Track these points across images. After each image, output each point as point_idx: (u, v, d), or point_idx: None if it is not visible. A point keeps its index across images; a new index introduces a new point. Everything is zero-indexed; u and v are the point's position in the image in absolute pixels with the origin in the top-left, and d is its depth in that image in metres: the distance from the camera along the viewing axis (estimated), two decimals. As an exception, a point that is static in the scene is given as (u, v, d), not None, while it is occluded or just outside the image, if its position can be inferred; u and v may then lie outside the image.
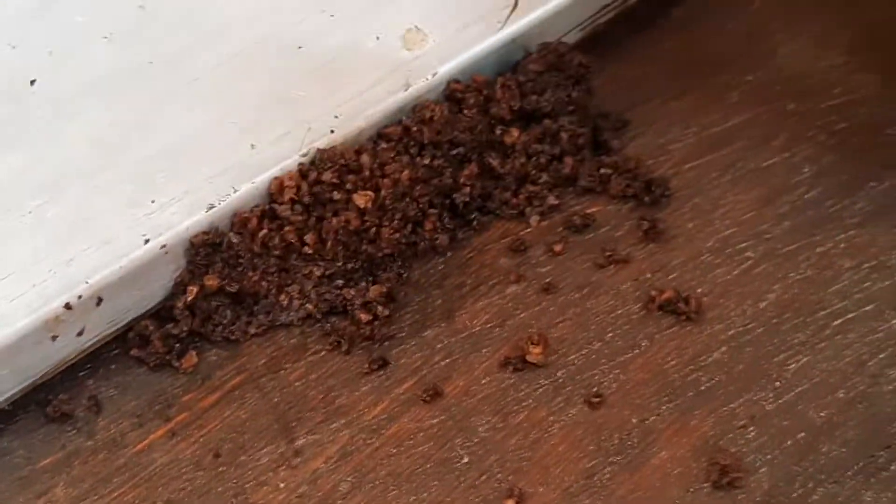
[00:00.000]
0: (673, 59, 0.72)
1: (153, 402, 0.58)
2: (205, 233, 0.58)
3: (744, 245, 0.65)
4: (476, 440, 0.57)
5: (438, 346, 0.61)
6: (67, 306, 0.55)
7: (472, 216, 0.65)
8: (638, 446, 0.57)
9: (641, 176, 0.67)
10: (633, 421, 0.58)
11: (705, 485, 0.56)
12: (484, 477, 0.56)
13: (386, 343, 0.60)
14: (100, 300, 0.56)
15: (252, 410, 0.58)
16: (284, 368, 0.59)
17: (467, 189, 0.64)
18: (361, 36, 0.65)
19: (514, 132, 0.65)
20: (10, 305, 0.54)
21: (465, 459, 0.56)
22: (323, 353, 0.60)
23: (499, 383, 0.59)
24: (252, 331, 0.60)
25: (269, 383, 0.59)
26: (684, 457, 0.57)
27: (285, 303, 0.60)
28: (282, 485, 0.56)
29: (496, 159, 0.65)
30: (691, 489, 0.56)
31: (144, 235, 0.57)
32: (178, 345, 0.59)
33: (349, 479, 0.56)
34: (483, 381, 0.59)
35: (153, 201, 0.58)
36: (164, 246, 0.57)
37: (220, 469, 0.56)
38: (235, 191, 0.59)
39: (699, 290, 0.62)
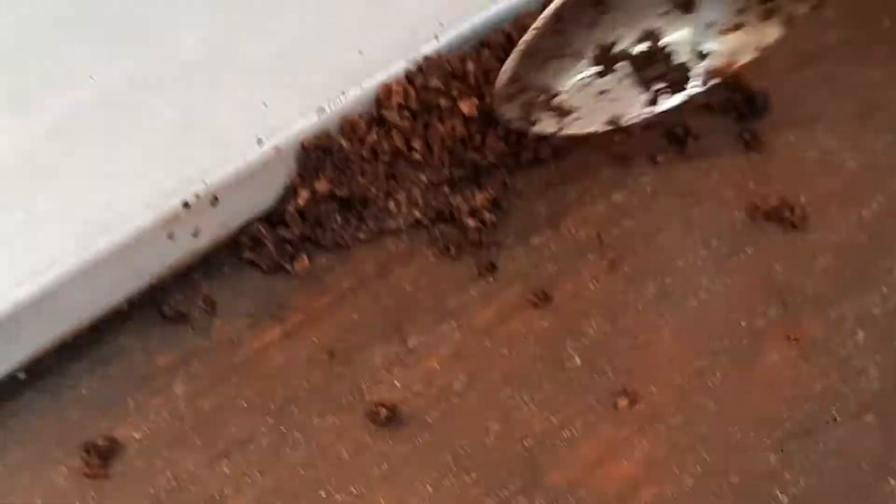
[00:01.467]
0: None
1: (267, 304, 0.59)
2: (316, 136, 0.59)
3: (845, 156, 0.66)
4: (587, 342, 0.58)
5: (545, 252, 0.62)
6: (185, 205, 0.56)
7: None
8: (748, 348, 0.58)
9: (742, 89, 0.68)
10: (742, 324, 0.59)
11: (817, 385, 0.57)
12: (596, 377, 0.57)
13: (493, 249, 0.61)
14: (215, 200, 0.57)
15: (364, 312, 0.59)
16: (394, 273, 0.61)
17: None
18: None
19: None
20: (129, 203, 0.55)
21: (577, 360, 0.58)
22: (431, 258, 0.61)
23: (606, 288, 0.60)
24: (361, 236, 0.61)
25: (379, 287, 0.60)
26: (794, 359, 0.58)
27: (394, 209, 0.62)
28: (397, 383, 0.57)
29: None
30: (803, 391, 0.57)
31: (258, 137, 0.58)
32: (290, 248, 0.60)
33: (462, 378, 0.57)
34: (591, 287, 0.60)
35: (265, 104, 0.59)
36: (276, 147, 0.58)
37: (336, 368, 0.57)
38: (344, 95, 0.60)
39: (802, 200, 0.63)
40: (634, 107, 0.64)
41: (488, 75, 0.63)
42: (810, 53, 0.70)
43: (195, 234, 0.58)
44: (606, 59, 0.64)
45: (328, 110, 0.60)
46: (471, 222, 0.61)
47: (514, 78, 0.60)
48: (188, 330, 0.59)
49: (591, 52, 0.63)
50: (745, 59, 0.65)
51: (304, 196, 0.60)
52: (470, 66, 0.62)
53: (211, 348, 0.58)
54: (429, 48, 0.62)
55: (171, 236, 0.56)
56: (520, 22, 0.64)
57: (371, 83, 0.61)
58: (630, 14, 0.63)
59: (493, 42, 0.64)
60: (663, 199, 0.64)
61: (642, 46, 0.64)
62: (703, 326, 0.59)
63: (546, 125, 0.63)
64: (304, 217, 0.60)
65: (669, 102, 0.65)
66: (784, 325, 0.59)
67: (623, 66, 0.64)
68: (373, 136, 0.61)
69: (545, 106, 0.63)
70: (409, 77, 0.62)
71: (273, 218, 0.61)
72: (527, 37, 0.59)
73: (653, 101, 0.65)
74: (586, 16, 0.61)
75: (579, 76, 0.63)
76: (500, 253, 0.62)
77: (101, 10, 0.58)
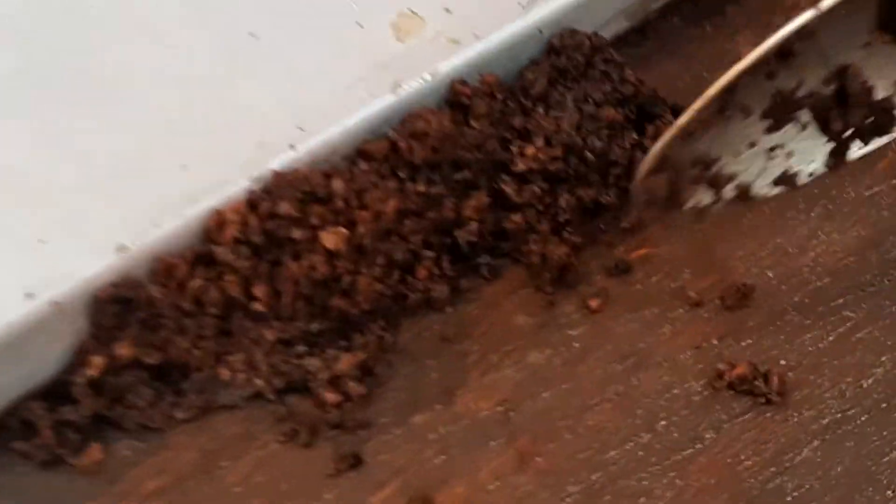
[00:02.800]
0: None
1: None
2: (114, 284, 0.48)
3: (841, 301, 0.56)
4: None
5: (431, 436, 0.51)
6: (-82, 384, 0.44)
7: (481, 260, 0.55)
8: None
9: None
10: None
11: None
12: None
13: (360, 433, 0.51)
14: (-35, 374, 0.46)
15: None
16: (221, 468, 0.50)
17: (474, 225, 0.54)
18: (338, 21, 0.54)
19: (530, 150, 0.54)
20: None
21: None
22: (274, 445, 0.51)
23: (512, 490, 0.49)
24: (180, 415, 0.51)
25: (199, 488, 0.49)
26: None
27: (226, 377, 0.51)
28: None
29: (511, 186, 0.54)
30: None
31: (26, 288, 0.46)
32: (76, 435, 0.49)
33: None
34: (490, 488, 0.49)
35: (41, 241, 0.47)
36: (55, 302, 0.46)
37: None
38: (157, 227, 0.49)
39: (782, 363, 0.54)
40: (816, 159, 0.55)
41: (362, 196, 0.52)
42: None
43: (-63, 422, 0.46)
44: (781, 110, 0.54)
45: (133, 248, 0.49)
46: (330, 395, 0.50)
47: (663, 161, 0.52)
48: (-77, 557, 0.47)
49: (762, 105, 0.53)
50: None
51: (97, 364, 0.48)
52: (338, 184, 0.52)
53: (-47, 583, 0.47)
54: (280, 161, 0.51)
55: None
56: (409, 125, 0.53)
57: (196, 210, 0.50)
58: (822, 52, 0.53)
59: (373, 152, 0.53)
60: (596, 362, 0.53)
61: (831, 87, 0.54)
62: (642, 549, 0.48)
63: (700, 199, 0.54)
64: (100, 391, 0.49)
65: (867, 148, 0.55)
66: (752, 548, 0.48)
67: (802, 115, 0.54)
68: (197, 282, 0.50)
69: (699, 179, 0.54)
70: (251, 201, 0.51)
71: (56, 391, 0.49)
72: (685, 118, 0.50)
73: (841, 150, 0.55)
74: (764, 69, 0.52)
75: (744, 136, 0.54)
76: (368, 438, 0.50)
77: None
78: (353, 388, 0.50)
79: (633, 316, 0.54)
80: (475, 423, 0.51)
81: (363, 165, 0.52)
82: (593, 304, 0.54)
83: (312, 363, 0.51)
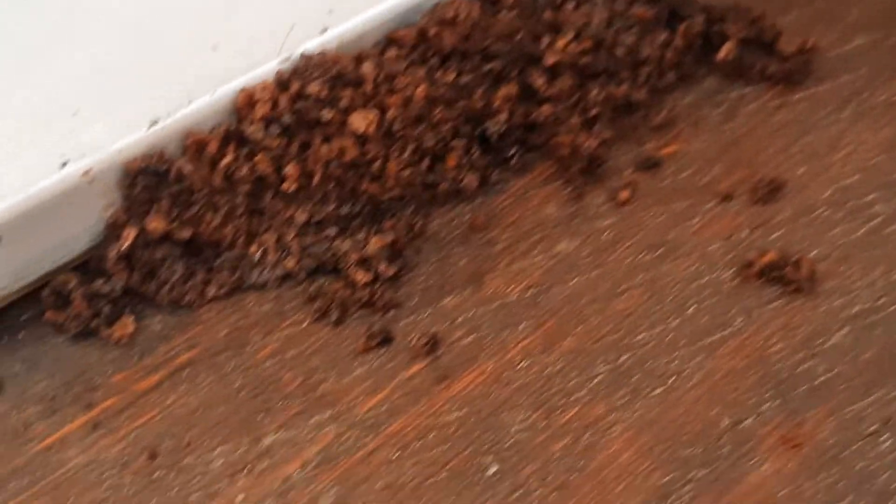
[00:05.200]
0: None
1: (72, 383, 0.50)
2: (145, 157, 0.49)
3: (871, 197, 0.57)
4: (508, 444, 0.48)
5: (460, 318, 0.52)
6: (-47, 248, 0.46)
7: (511, 152, 0.56)
8: (730, 457, 0.48)
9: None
10: (724, 423, 0.49)
11: (824, 510, 0.46)
12: (518, 494, 0.47)
13: (390, 312, 0.52)
14: (-1, 241, 0.47)
15: (205, 397, 0.49)
16: (252, 343, 0.51)
17: (503, 116, 0.55)
18: None
19: (561, 42, 0.56)
20: None
21: (493, 469, 0.48)
22: (305, 323, 0.52)
23: (541, 369, 0.50)
24: (211, 292, 0.52)
25: (229, 362, 0.50)
26: (794, 472, 0.47)
27: (257, 256, 0.52)
28: (240, 497, 0.46)
29: (540, 78, 0.56)
30: (805, 517, 0.46)
31: (63, 156, 0.48)
32: (108, 307, 0.50)
33: (332, 491, 0.47)
34: (519, 366, 0.50)
35: (75, 113, 0.49)
36: (87, 171, 0.48)
37: (157, 474, 0.47)
38: (189, 103, 0.51)
39: (813, 254, 0.54)
40: None
41: (392, 81, 0.53)
42: (829, 63, 0.61)
43: (-28, 288, 0.48)
44: None
45: (165, 123, 0.50)
46: (360, 275, 0.51)
47: None
48: (-40, 417, 0.49)
49: None
50: None
51: (130, 237, 0.50)
52: (367, 67, 0.53)
53: (-11, 443, 0.48)
54: (311, 44, 0.53)
55: (-67, 291, 0.46)
56: (439, 13, 0.55)
57: (227, 88, 0.51)
58: None
59: (403, 39, 0.55)
60: (625, 251, 0.54)
61: None
62: (671, 425, 0.49)
63: None
64: (132, 265, 0.51)
65: None
66: (782, 426, 0.49)
67: None
68: (228, 159, 0.51)
69: None
70: (280, 81, 0.52)
71: (90, 266, 0.51)
72: None
73: None
74: None
75: None
76: (398, 318, 0.52)
77: None
78: (383, 269, 0.51)
79: (662, 208, 0.55)
80: (504, 306, 0.52)
81: (392, 52, 0.54)
82: (623, 196, 0.55)
83: (343, 245, 0.52)
